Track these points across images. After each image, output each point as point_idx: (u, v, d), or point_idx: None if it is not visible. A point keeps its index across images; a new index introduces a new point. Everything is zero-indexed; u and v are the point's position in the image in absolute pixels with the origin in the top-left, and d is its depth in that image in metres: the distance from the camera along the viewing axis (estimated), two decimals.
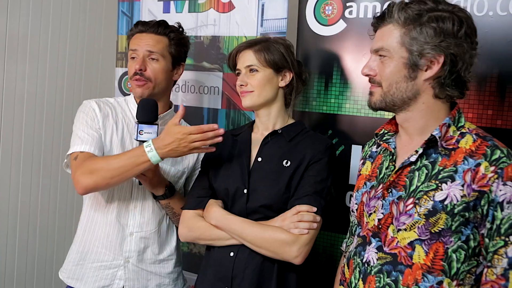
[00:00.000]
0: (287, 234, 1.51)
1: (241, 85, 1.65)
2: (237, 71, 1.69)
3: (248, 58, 1.64)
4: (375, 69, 1.31)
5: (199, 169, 1.81)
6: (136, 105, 1.76)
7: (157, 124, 1.69)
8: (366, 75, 1.34)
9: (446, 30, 1.23)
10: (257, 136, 1.69)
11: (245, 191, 1.60)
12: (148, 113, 1.69)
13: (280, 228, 1.52)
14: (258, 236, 1.53)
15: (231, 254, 1.59)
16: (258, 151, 1.65)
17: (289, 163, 1.60)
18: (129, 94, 1.91)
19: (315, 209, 1.52)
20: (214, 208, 1.61)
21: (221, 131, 1.55)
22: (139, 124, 1.68)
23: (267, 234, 1.53)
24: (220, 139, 1.55)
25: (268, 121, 1.68)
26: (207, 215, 1.62)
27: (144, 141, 1.66)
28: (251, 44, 1.66)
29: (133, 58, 1.80)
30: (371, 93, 1.35)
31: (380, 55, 1.30)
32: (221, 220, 1.59)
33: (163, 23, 1.82)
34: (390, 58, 1.28)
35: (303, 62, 1.79)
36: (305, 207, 1.52)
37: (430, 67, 1.26)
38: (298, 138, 1.65)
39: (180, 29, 1.87)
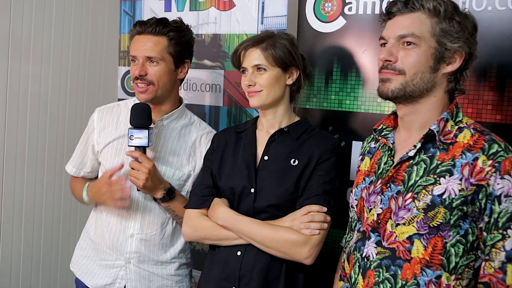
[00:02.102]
0: (298, 235, 1.48)
1: (249, 85, 1.59)
2: (242, 69, 1.63)
3: (255, 57, 1.57)
4: (396, 55, 1.27)
5: None
6: None
7: (149, 129, 1.67)
8: (386, 61, 1.28)
9: (467, 28, 1.25)
10: (262, 134, 1.65)
11: (252, 190, 1.57)
12: (139, 118, 1.68)
13: (290, 229, 1.50)
14: (268, 236, 1.50)
15: (238, 253, 1.56)
16: (265, 149, 1.62)
17: (296, 162, 1.57)
18: (133, 93, 1.92)
19: (325, 209, 1.50)
20: (221, 208, 1.58)
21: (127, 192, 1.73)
22: (129, 130, 1.68)
23: (278, 234, 1.50)
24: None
25: (274, 120, 1.64)
26: (213, 214, 1.58)
27: (135, 146, 1.68)
28: (257, 41, 1.59)
29: (134, 61, 1.76)
30: (387, 80, 1.28)
31: (407, 42, 1.26)
32: (229, 220, 1.55)
33: (162, 22, 1.74)
34: (418, 46, 1.25)
35: None
36: (316, 207, 1.50)
37: (452, 62, 1.26)
38: (305, 136, 1.61)
39: (181, 25, 1.79)
